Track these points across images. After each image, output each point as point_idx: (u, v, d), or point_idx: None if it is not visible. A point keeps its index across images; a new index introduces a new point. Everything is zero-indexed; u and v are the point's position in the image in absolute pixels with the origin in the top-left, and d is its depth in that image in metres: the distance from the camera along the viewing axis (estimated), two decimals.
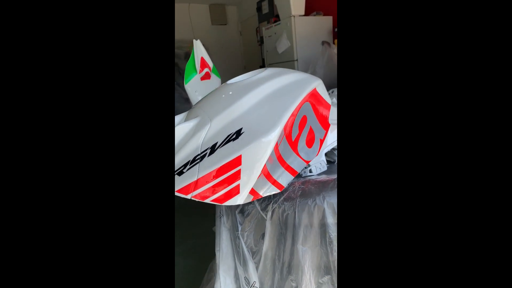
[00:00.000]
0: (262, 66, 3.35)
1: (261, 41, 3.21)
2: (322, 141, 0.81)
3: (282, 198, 0.72)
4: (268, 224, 0.74)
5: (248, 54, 4.01)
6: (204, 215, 1.54)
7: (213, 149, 0.63)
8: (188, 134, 0.66)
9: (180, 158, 0.65)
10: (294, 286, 0.73)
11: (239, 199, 0.64)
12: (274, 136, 0.61)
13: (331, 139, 0.86)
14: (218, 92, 0.74)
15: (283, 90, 0.70)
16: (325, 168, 0.84)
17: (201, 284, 1.05)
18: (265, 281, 0.77)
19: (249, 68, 3.90)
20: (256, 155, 0.61)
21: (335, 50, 1.94)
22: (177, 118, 0.71)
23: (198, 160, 0.63)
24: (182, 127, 0.67)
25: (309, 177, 0.79)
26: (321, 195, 0.70)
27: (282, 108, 0.65)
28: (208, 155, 0.63)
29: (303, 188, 0.73)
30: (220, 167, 0.61)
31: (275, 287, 0.76)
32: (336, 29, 2.52)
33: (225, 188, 0.62)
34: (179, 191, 0.63)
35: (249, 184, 0.63)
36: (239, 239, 0.76)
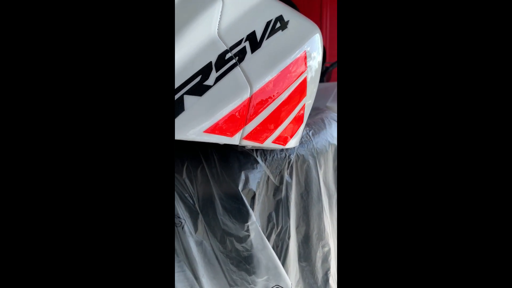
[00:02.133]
0: None
1: None
2: None
3: (297, 147, 0.49)
4: (284, 191, 0.48)
5: None
6: None
7: (253, 40, 0.31)
8: None
9: (176, 61, 0.27)
10: (327, 250, 0.52)
11: (302, 130, 0.35)
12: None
13: None
14: None
15: None
16: None
17: None
18: (290, 271, 0.49)
19: None
20: (319, 55, 0.36)
21: None
22: None
23: (234, 60, 0.29)
24: None
25: None
26: (332, 125, 0.55)
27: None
28: (252, 51, 0.30)
29: (309, 124, 0.54)
30: (285, 70, 0.31)
31: (305, 270, 0.50)
32: None
33: (293, 109, 0.32)
34: (215, 131, 0.25)
35: (311, 101, 0.37)
36: (246, 235, 0.43)
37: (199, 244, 0.46)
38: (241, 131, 0.31)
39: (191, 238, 0.46)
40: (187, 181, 0.46)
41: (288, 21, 0.35)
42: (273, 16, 0.34)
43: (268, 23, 0.33)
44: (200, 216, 0.46)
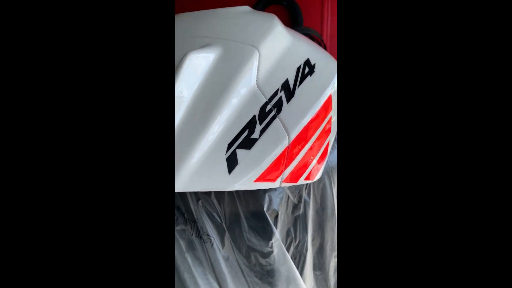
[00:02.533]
0: None
1: None
2: None
3: None
4: (302, 209, 0.53)
5: None
6: None
7: (287, 89, 0.34)
8: (211, 70, 0.31)
9: (226, 117, 0.30)
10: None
11: (325, 162, 0.39)
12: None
13: None
14: (231, 14, 0.40)
15: None
16: None
17: None
18: (307, 280, 0.54)
19: None
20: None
21: None
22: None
23: (274, 112, 0.32)
24: (195, 59, 0.31)
25: None
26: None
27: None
28: (288, 101, 0.34)
29: None
30: (315, 116, 0.35)
31: (319, 279, 0.56)
32: None
33: (320, 148, 0.36)
34: (262, 179, 0.29)
35: (333, 138, 0.40)
36: (270, 251, 0.48)
37: (227, 259, 0.50)
38: (281, 176, 0.35)
39: (219, 254, 0.50)
40: (215, 201, 0.50)
41: (314, 64, 0.38)
42: (301, 61, 0.37)
43: (298, 69, 0.36)
44: (227, 233, 0.50)
